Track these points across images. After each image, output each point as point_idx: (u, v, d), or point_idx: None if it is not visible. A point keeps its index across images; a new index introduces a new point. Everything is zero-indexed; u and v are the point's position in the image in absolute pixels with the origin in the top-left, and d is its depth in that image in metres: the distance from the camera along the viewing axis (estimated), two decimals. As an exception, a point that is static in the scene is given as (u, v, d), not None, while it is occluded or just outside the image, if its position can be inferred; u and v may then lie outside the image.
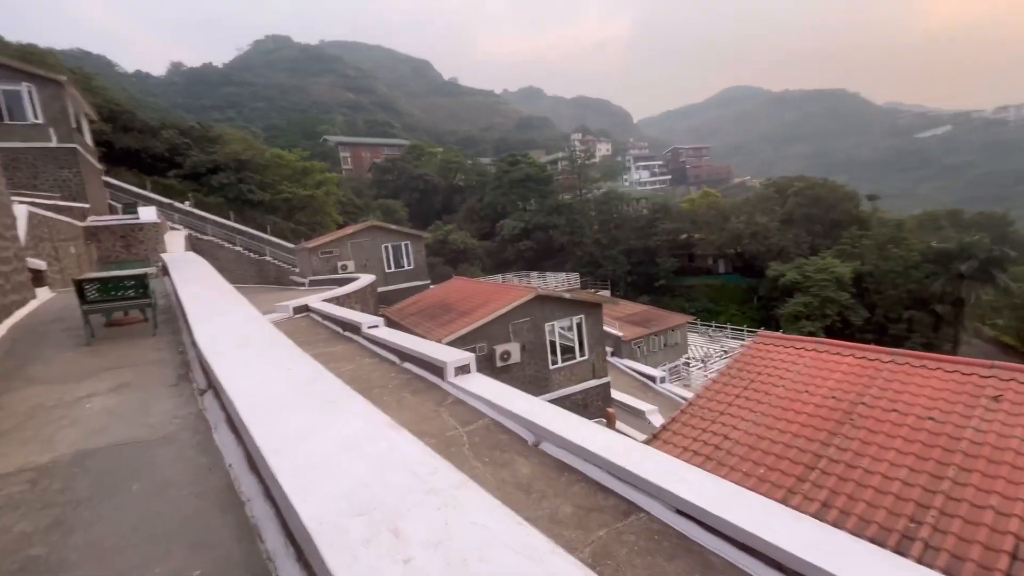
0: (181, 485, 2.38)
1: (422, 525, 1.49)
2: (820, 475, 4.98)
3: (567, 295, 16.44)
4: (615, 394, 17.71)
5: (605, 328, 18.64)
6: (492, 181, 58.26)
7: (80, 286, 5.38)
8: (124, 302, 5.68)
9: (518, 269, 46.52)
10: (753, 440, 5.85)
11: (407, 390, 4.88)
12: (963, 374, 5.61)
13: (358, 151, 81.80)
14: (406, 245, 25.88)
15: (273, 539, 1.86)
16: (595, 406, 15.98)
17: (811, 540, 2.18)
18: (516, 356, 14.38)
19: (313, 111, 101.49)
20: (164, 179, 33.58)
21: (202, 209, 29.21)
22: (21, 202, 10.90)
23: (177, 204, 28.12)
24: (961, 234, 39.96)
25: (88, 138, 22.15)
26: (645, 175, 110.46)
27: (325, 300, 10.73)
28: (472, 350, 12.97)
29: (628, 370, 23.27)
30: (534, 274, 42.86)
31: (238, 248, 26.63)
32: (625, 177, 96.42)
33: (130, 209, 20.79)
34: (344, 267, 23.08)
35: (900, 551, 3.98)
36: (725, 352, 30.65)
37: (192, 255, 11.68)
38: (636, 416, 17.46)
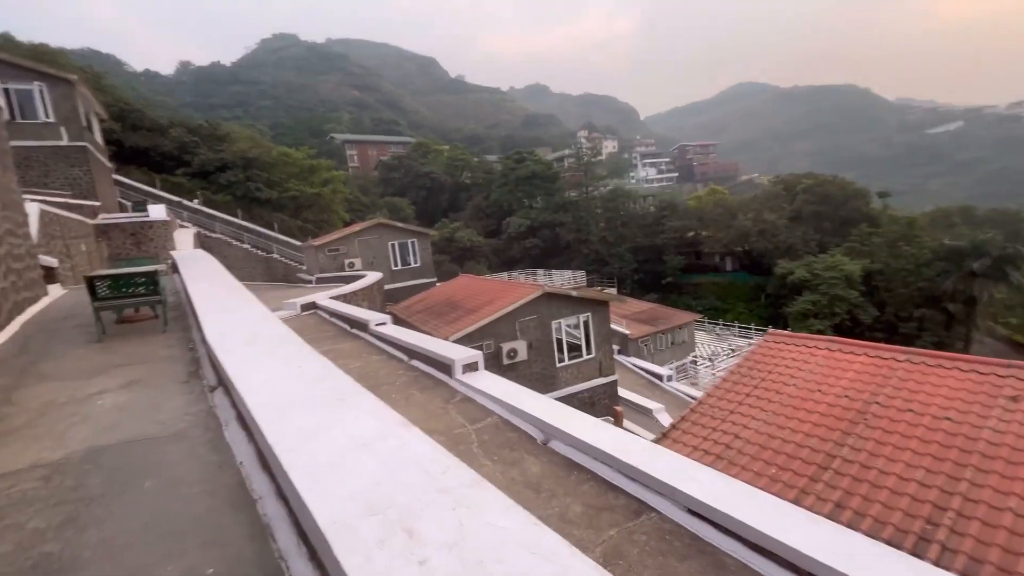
0: (192, 483, 2.38)
1: (436, 525, 1.46)
2: (833, 475, 4.91)
3: (574, 293, 16.37)
4: (622, 392, 17.65)
5: (612, 326, 18.57)
6: (498, 179, 58.19)
7: (92, 283, 5.42)
8: (135, 299, 5.71)
9: (524, 267, 46.45)
10: (764, 439, 5.78)
11: (415, 387, 4.88)
12: (980, 374, 5.50)
13: (364, 149, 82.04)
14: (412, 243, 25.91)
15: (285, 538, 1.85)
16: (602, 404, 15.94)
17: (827, 542, 2.14)
18: (523, 354, 14.36)
19: (320, 109, 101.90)
20: (173, 177, 33.85)
21: (210, 207, 29.42)
22: (33, 200, 11.00)
23: (186, 202, 28.32)
24: (974, 231, 39.36)
25: (98, 137, 22.35)
26: (652, 172, 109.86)
27: (332, 298, 10.76)
28: (479, 348, 12.97)
29: (635, 368, 23.19)
30: (540, 272, 42.76)
31: (246, 246, 26.81)
32: (632, 174, 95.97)
33: (140, 207, 20.98)
34: (351, 265, 23.15)
35: (917, 553, 3.92)
36: (733, 350, 30.43)
37: (201, 252, 11.75)
38: (643, 414, 17.38)
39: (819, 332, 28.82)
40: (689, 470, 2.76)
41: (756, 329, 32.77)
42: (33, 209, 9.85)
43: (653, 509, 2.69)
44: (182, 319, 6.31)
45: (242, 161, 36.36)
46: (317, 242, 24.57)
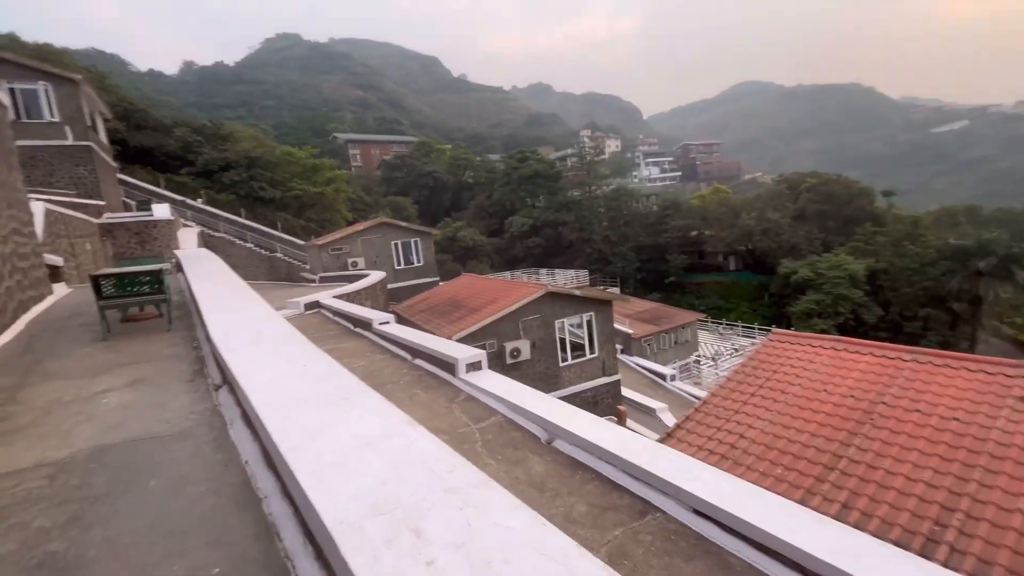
0: (198, 482, 2.37)
1: (444, 525, 1.45)
2: (840, 476, 4.88)
3: (577, 292, 16.35)
4: (625, 391, 17.61)
5: (615, 325, 18.53)
6: (501, 178, 58.19)
7: (97, 282, 5.43)
8: (140, 298, 5.72)
9: (527, 266, 46.43)
10: (769, 440, 5.75)
11: (419, 386, 4.87)
12: (988, 374, 5.45)
13: (367, 148, 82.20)
14: (415, 242, 25.93)
15: (291, 537, 1.84)
16: (605, 403, 15.91)
17: (834, 542, 2.12)
18: (526, 353, 14.34)
19: (323, 109, 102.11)
20: (177, 176, 33.96)
21: (214, 206, 29.49)
22: (38, 199, 11.04)
23: (190, 201, 28.40)
24: (979, 230, 39.16)
25: (103, 136, 22.43)
26: (655, 171, 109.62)
27: (336, 297, 10.78)
28: (482, 347, 12.96)
29: (638, 367, 23.15)
30: (543, 271, 42.72)
31: (249, 245, 26.87)
32: (635, 173, 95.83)
33: (144, 206, 21.05)
34: (354, 264, 23.18)
35: (924, 555, 3.88)
36: (736, 350, 30.36)
37: (205, 251, 11.78)
38: (647, 414, 17.35)
39: (823, 332, 28.68)
40: (694, 470, 2.74)
41: (759, 329, 32.66)
42: (38, 208, 9.88)
43: (658, 509, 2.67)
44: (186, 318, 6.32)
45: (246, 160, 36.45)
46: (320, 241, 24.60)
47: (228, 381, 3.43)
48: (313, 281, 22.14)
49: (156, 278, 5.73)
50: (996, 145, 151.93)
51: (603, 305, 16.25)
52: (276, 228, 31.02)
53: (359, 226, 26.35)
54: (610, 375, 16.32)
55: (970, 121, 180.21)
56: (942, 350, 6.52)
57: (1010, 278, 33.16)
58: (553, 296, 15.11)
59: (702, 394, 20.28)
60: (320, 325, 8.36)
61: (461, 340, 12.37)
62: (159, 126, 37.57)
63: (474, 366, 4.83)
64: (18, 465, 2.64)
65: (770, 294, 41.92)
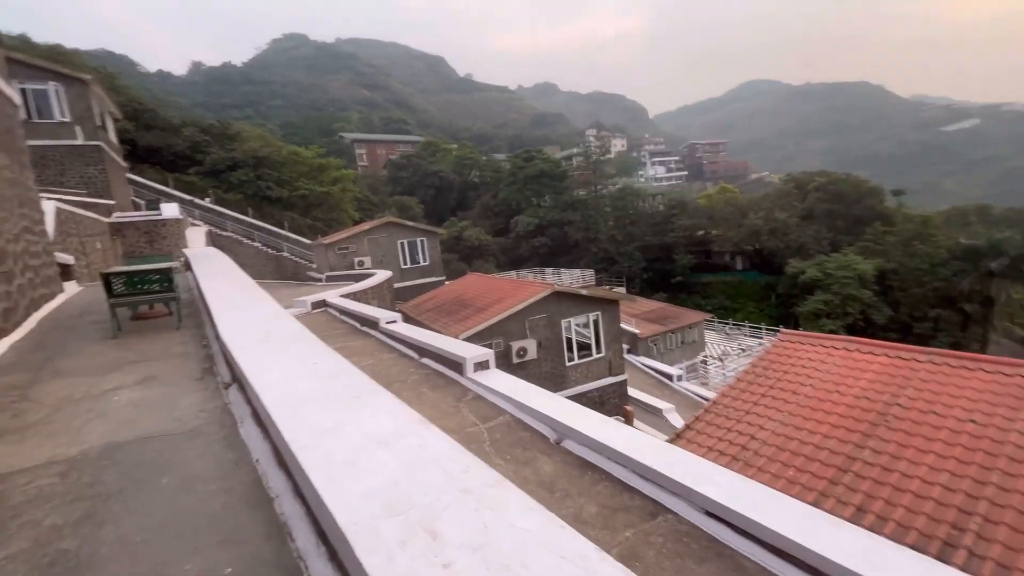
0: (209, 480, 2.36)
1: (459, 527, 1.43)
2: (854, 478, 4.80)
3: (584, 292, 16.29)
4: (632, 392, 17.54)
5: (621, 325, 18.46)
6: (507, 177, 58.19)
7: (107, 280, 5.46)
8: (150, 296, 5.75)
9: (532, 265, 46.39)
10: (781, 441, 5.68)
11: (426, 385, 4.86)
12: (1006, 375, 5.35)
13: (373, 148, 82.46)
14: (421, 241, 25.96)
15: (303, 538, 1.82)
16: (612, 404, 15.85)
17: (852, 547, 2.08)
18: (532, 352, 14.31)
19: (329, 108, 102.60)
20: (185, 176, 34.23)
21: (221, 205, 29.66)
22: (49, 198, 11.14)
23: (198, 201, 28.58)
24: (991, 230, 38.69)
25: (113, 136, 22.62)
26: (661, 171, 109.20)
27: (343, 296, 10.80)
28: (489, 346, 12.92)
29: (645, 368, 23.05)
30: (548, 270, 42.68)
31: (256, 244, 26.98)
32: (641, 173, 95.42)
33: (153, 205, 21.21)
34: (360, 263, 23.23)
35: (943, 559, 3.81)
36: (743, 350, 30.14)
37: (213, 250, 11.84)
38: (653, 414, 17.27)
39: (831, 332, 28.43)
40: (706, 471, 2.71)
41: (767, 329, 32.43)
42: (49, 207, 9.97)
43: (669, 510, 2.64)
44: (195, 316, 6.34)
45: (253, 160, 36.68)
46: (327, 240, 24.68)
47: (238, 379, 3.42)
48: (320, 280, 22.22)
49: (166, 276, 5.75)
50: (1008, 144, 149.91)
51: (610, 305, 16.19)
52: (283, 227, 31.16)
53: (365, 225, 26.41)
54: (616, 375, 16.25)
55: (981, 120, 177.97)
56: (958, 351, 6.41)
57: (1022, 279, 32.73)
58: (560, 296, 15.07)
59: (709, 395, 20.16)
60: (327, 324, 8.37)
61: (468, 339, 12.35)
62: (168, 126, 37.90)
63: (482, 365, 4.80)
64: (30, 462, 2.65)
65: (777, 294, 41.62)
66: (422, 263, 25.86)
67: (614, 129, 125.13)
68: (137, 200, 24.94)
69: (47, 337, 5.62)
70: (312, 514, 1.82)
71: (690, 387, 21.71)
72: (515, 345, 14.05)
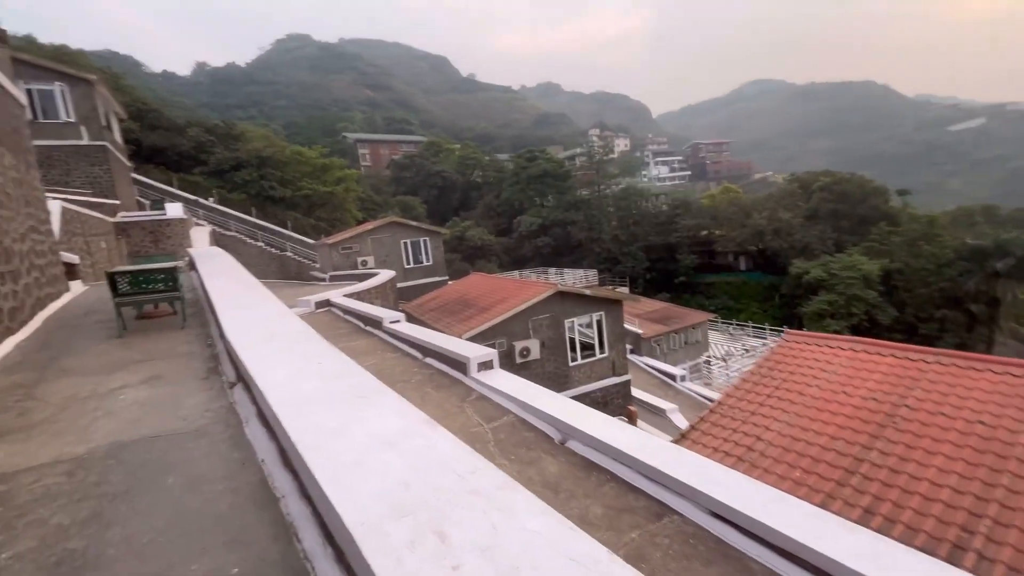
0: (215, 480, 2.35)
1: (468, 529, 1.41)
2: (862, 480, 4.77)
3: (587, 292, 16.26)
4: (635, 392, 17.50)
5: (625, 325, 18.41)
6: (510, 177, 58.16)
7: (113, 279, 5.47)
8: (155, 295, 5.76)
9: (535, 265, 46.35)
10: (787, 442, 5.64)
11: (430, 385, 4.84)
12: (1015, 376, 5.29)
13: (376, 148, 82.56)
14: (424, 241, 25.98)
15: (310, 539, 1.80)
16: (615, 404, 15.82)
17: (862, 549, 2.05)
18: (536, 352, 14.30)
19: (332, 109, 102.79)
20: (190, 176, 34.37)
21: (225, 205, 29.77)
22: (55, 198, 11.19)
23: (202, 201, 28.69)
24: (997, 231, 38.44)
25: (118, 136, 22.72)
26: (664, 171, 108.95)
27: (346, 295, 10.80)
28: (492, 346, 12.93)
29: (648, 368, 22.99)
30: (551, 270, 42.64)
31: (260, 244, 27.06)
32: (644, 173, 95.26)
33: (158, 205, 21.31)
34: (364, 263, 23.26)
35: (952, 561, 3.78)
36: (747, 350, 30.04)
37: (217, 250, 11.88)
38: (657, 415, 17.22)
39: (835, 333, 28.28)
40: (712, 472, 2.69)
41: (771, 329, 32.31)
42: (55, 207, 10.01)
43: (675, 511, 2.62)
44: (200, 315, 6.35)
45: (256, 160, 36.79)
46: (330, 240, 24.73)
47: (243, 379, 3.42)
48: (323, 280, 22.26)
49: (170, 276, 5.77)
50: (1014, 144, 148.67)
51: (613, 305, 16.16)
52: (286, 227, 31.25)
53: (369, 225, 26.45)
54: (620, 375, 16.23)
55: (987, 119, 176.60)
56: (967, 352, 6.34)
57: (1029, 279, 32.50)
58: (563, 295, 15.05)
59: (713, 395, 20.09)
60: (331, 323, 8.37)
61: (471, 339, 12.35)
62: (172, 126, 38.07)
63: (486, 365, 4.79)
64: (37, 461, 2.65)
65: (781, 295, 41.46)
66: (425, 263, 25.89)
67: (617, 129, 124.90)
68: (142, 200, 25.06)
69: (53, 336, 5.64)
70: (319, 515, 1.81)
71: (693, 387, 21.63)
72: (518, 345, 14.04)
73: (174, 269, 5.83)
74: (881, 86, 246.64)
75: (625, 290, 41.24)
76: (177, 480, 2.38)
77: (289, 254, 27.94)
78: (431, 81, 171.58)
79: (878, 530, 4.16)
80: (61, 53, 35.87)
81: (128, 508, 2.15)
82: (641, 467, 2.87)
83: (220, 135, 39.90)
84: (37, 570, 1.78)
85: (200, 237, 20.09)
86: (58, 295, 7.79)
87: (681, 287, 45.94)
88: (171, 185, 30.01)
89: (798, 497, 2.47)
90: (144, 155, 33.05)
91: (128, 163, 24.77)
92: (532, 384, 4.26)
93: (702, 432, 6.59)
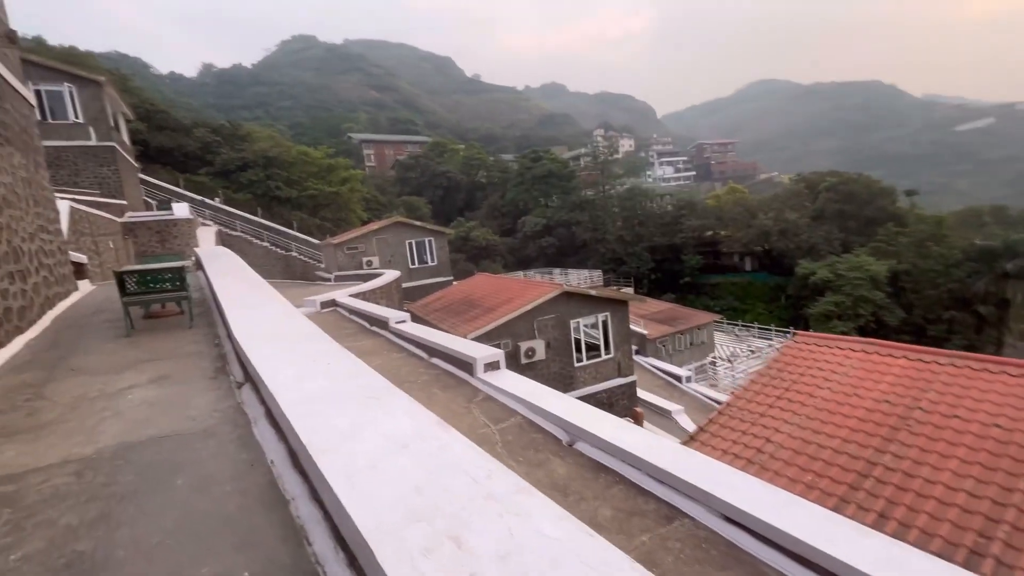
0: (224, 481, 2.33)
1: (485, 535, 1.38)
2: (875, 484, 4.69)
3: (593, 292, 16.20)
4: (640, 393, 17.42)
5: (630, 326, 18.33)
6: (514, 178, 58.20)
7: (121, 278, 5.48)
8: (162, 295, 5.77)
9: (540, 266, 46.34)
10: (798, 444, 5.57)
11: (436, 386, 4.81)
12: (1030, 378, 5.22)
13: (381, 148, 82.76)
14: (429, 241, 26.00)
15: (321, 542, 1.77)
16: (621, 405, 15.75)
17: (879, 555, 2.00)
18: (541, 353, 14.25)
19: (338, 109, 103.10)
20: (196, 176, 34.57)
21: (231, 205, 29.93)
22: (63, 198, 11.26)
23: (208, 201, 28.86)
24: (1006, 231, 38.13)
25: (125, 137, 22.87)
26: (669, 171, 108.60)
27: (351, 295, 10.81)
28: (497, 346, 12.87)
29: (653, 369, 22.89)
30: (556, 271, 42.61)
31: (265, 244, 27.16)
32: (648, 173, 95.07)
33: (164, 205, 21.41)
34: (369, 263, 23.30)
35: (969, 567, 3.71)
36: (752, 352, 29.91)
37: (224, 249, 11.91)
38: (662, 416, 17.13)
39: (843, 334, 28.09)
40: (723, 474, 2.64)
41: (777, 331, 32.14)
42: (64, 207, 10.06)
43: (686, 515, 2.58)
44: (207, 315, 6.36)
45: (262, 160, 36.97)
46: (335, 240, 24.78)
47: (251, 379, 3.40)
48: (328, 280, 22.30)
49: (178, 275, 5.77)
50: (1023, 144, 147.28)
51: (619, 305, 16.09)
52: (292, 227, 31.36)
53: (374, 225, 26.49)
54: (626, 376, 16.16)
55: (995, 119, 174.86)
56: (981, 354, 6.24)
57: (1039, 281, 32.16)
58: (569, 296, 15.00)
59: (718, 396, 19.98)
60: (336, 323, 8.36)
61: (476, 339, 12.31)
62: (179, 127, 38.32)
63: (492, 366, 4.75)
64: (45, 461, 2.64)
65: (787, 295, 41.25)
66: (430, 263, 25.90)
67: (622, 129, 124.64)
68: (149, 200, 25.20)
69: (61, 335, 5.66)
70: (330, 518, 1.78)
71: (699, 389, 21.53)
72: (523, 345, 14.00)
73: (181, 269, 5.84)
74: (888, 86, 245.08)
75: (630, 290, 41.13)
76: (186, 481, 2.36)
77: (294, 254, 28.03)
78: (436, 82, 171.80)
79: (892, 535, 4.08)
80: (70, 55, 36.19)
81: (136, 509, 2.13)
82: (650, 469, 2.83)
83: (226, 136, 40.12)
84: (46, 572, 1.76)
85: (206, 237, 20.20)
86: (67, 294, 7.82)
87: (686, 288, 45.80)
88: (178, 185, 30.20)
89: (810, 501, 2.43)
90: (151, 156, 33.29)
91: (135, 164, 24.93)
92: (539, 385, 4.22)
93: (711, 434, 6.53)
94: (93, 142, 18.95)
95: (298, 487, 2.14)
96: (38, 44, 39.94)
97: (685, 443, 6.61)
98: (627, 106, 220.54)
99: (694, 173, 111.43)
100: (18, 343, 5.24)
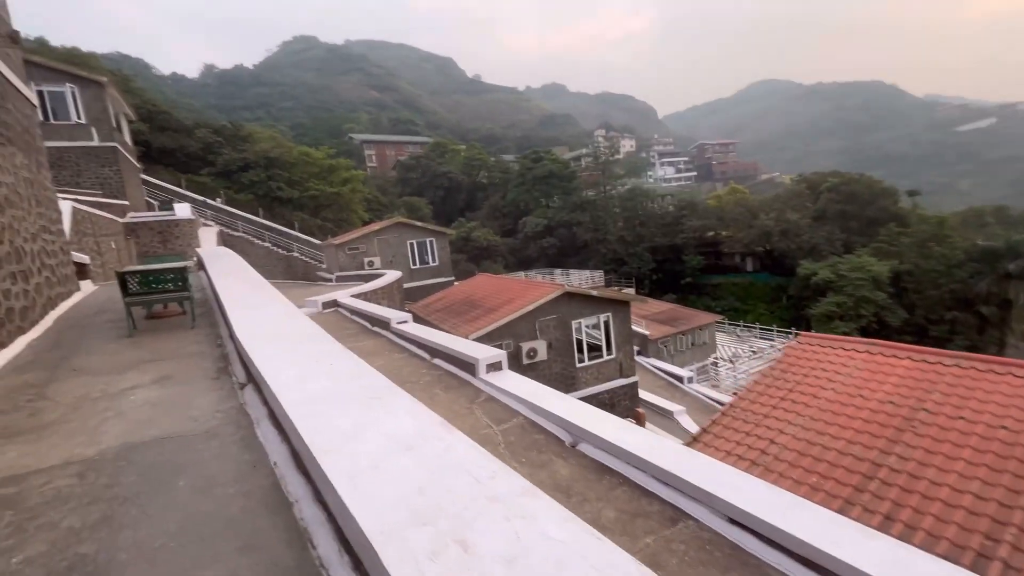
0: (227, 483, 2.32)
1: (491, 537, 1.36)
2: (880, 486, 4.66)
3: (594, 292, 16.18)
4: (642, 394, 17.39)
5: (631, 327, 18.30)
6: (515, 178, 58.18)
7: (123, 279, 5.47)
8: (164, 295, 5.77)
9: (541, 266, 46.31)
10: (802, 446, 5.54)
11: (439, 386, 4.80)
12: (1036, 380, 5.18)
13: (382, 149, 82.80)
14: (431, 242, 25.99)
15: (325, 545, 1.76)
16: (622, 406, 15.72)
17: (885, 558, 1.99)
18: (543, 354, 14.23)
19: (339, 110, 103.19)
20: (198, 177, 34.61)
21: (233, 206, 29.95)
22: (66, 199, 11.27)
23: (210, 201, 28.89)
24: (1008, 232, 38.03)
25: (127, 137, 22.90)
26: (670, 171, 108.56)
27: (353, 296, 10.80)
28: (499, 347, 12.87)
29: (655, 369, 22.85)
30: (557, 271, 42.59)
31: (267, 244, 27.18)
32: (650, 173, 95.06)
33: (166, 206, 21.45)
34: (370, 263, 23.29)
35: (977, 571, 3.68)
36: (754, 352, 29.85)
37: (225, 250, 11.91)
38: (664, 417, 17.10)
39: (845, 335, 28.02)
40: (728, 476, 2.63)
41: (778, 331, 32.09)
42: (66, 207, 10.07)
43: (690, 516, 2.56)
44: (209, 315, 6.35)
45: (264, 161, 37.01)
46: (337, 241, 24.79)
47: (253, 379, 3.39)
48: (330, 280, 22.30)
49: (180, 276, 5.77)
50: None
51: (621, 306, 16.06)
52: (293, 228, 31.38)
53: (375, 226, 26.49)
54: (627, 377, 16.13)
55: (997, 119, 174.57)
56: (986, 355, 6.20)
57: (1042, 281, 32.06)
58: (570, 296, 14.97)
59: (720, 397, 19.94)
60: (338, 324, 8.35)
61: (478, 340, 12.29)
62: (181, 127, 38.37)
63: (494, 366, 4.74)
64: (48, 462, 2.63)
65: (788, 296, 41.18)
66: (431, 263, 25.90)
67: (623, 130, 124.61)
68: (151, 200, 25.23)
69: (64, 335, 5.65)
70: (334, 520, 1.77)
71: (701, 389, 21.48)
72: (525, 346, 13.98)
73: (184, 269, 5.83)
74: (889, 86, 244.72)
75: (631, 291, 41.10)
76: (188, 483, 2.34)
77: (296, 254, 28.04)
78: (437, 82, 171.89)
79: (898, 537, 4.06)
80: (72, 55, 36.23)
81: (139, 511, 2.11)
82: (654, 471, 2.81)
83: (228, 136, 40.17)
84: (48, 575, 1.75)
85: (208, 237, 20.21)
86: (69, 294, 7.82)
87: (687, 288, 45.75)
88: (179, 186, 30.24)
89: (815, 503, 2.41)
90: (153, 156, 33.34)
91: (137, 164, 24.96)
92: (541, 386, 4.20)
93: (714, 435, 6.50)
94: (95, 143, 18.97)
95: (301, 489, 2.13)
96: (40, 45, 40.03)
97: (688, 444, 6.59)
98: (628, 106, 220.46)
99: (695, 173, 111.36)
100: (20, 343, 5.23)
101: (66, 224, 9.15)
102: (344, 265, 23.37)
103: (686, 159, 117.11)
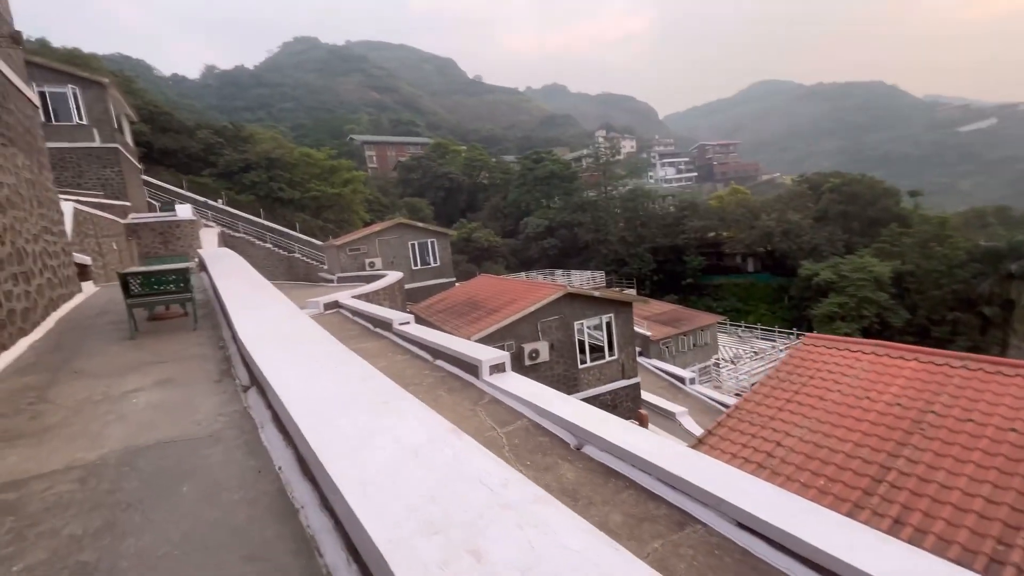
0: (231, 489, 2.28)
1: (504, 546, 1.33)
2: (889, 489, 4.61)
3: (596, 293, 16.14)
4: (644, 395, 17.34)
5: (633, 327, 18.26)
6: (516, 179, 58.20)
7: (125, 280, 5.44)
8: (166, 296, 5.73)
9: (542, 267, 46.25)
10: (810, 449, 5.49)
11: (442, 388, 4.76)
12: (1046, 382, 5.13)
13: (383, 150, 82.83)
14: (432, 243, 25.97)
15: (333, 554, 1.72)
16: (625, 407, 15.68)
17: (899, 564, 1.95)
18: (545, 355, 14.20)
19: (339, 111, 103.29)
20: (199, 178, 34.63)
21: (234, 207, 29.96)
22: (67, 200, 11.25)
23: (211, 202, 28.89)
24: (1010, 232, 37.96)
25: (129, 138, 22.91)
26: (671, 172, 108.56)
27: (354, 297, 10.76)
28: (500, 348, 12.82)
29: (657, 370, 22.80)
30: (558, 272, 42.51)
31: (268, 245, 27.17)
32: (650, 174, 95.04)
33: (168, 207, 21.44)
34: (372, 264, 23.27)
35: (989, 576, 3.64)
36: (756, 353, 29.79)
37: (227, 251, 11.88)
38: (666, 418, 17.05)
39: (846, 335, 27.97)
40: (736, 480, 2.59)
41: (780, 332, 32.03)
42: (67, 208, 10.05)
43: (698, 521, 2.52)
44: (211, 316, 6.31)
45: (265, 162, 37.03)
46: (338, 242, 24.77)
47: (257, 382, 3.35)
48: (331, 281, 22.27)
49: (182, 277, 5.73)
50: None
51: (623, 307, 16.03)
52: (294, 229, 31.39)
53: (376, 227, 26.48)
54: (629, 378, 16.08)
55: (998, 119, 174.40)
56: (995, 357, 6.15)
57: (1044, 282, 31.99)
58: (572, 297, 14.94)
59: (722, 398, 19.88)
60: (340, 325, 8.31)
61: (480, 341, 12.26)
62: (182, 128, 38.40)
63: (498, 368, 4.70)
64: (49, 467, 2.59)
65: (790, 296, 41.11)
66: (433, 264, 25.88)
67: (624, 130, 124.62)
68: (152, 201, 25.24)
69: (65, 337, 5.62)
70: (341, 528, 1.73)
71: (703, 390, 21.42)
72: (527, 347, 13.95)
73: (186, 270, 5.80)
74: (890, 86, 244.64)
75: (632, 292, 41.06)
76: (192, 489, 2.30)
77: (297, 255, 28.04)
78: (437, 83, 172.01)
79: (909, 541, 4.01)
80: (74, 56, 36.24)
81: (142, 518, 2.07)
82: (661, 474, 2.77)
83: (229, 137, 40.20)
84: (49, 583, 1.72)
85: (209, 238, 20.19)
86: (70, 296, 7.80)
87: (689, 289, 45.69)
88: (181, 187, 30.26)
89: (824, 506, 2.38)
90: (155, 157, 33.35)
91: (139, 165, 24.98)
92: (545, 387, 4.16)
93: (720, 437, 6.45)
94: (97, 144, 18.97)
95: (308, 495, 2.09)
96: (42, 46, 40.07)
97: (693, 446, 6.54)
98: (629, 107, 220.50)
99: (696, 174, 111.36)
100: (22, 345, 5.20)
101: (68, 225, 9.13)
102: (345, 266, 23.34)
103: (687, 160, 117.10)
